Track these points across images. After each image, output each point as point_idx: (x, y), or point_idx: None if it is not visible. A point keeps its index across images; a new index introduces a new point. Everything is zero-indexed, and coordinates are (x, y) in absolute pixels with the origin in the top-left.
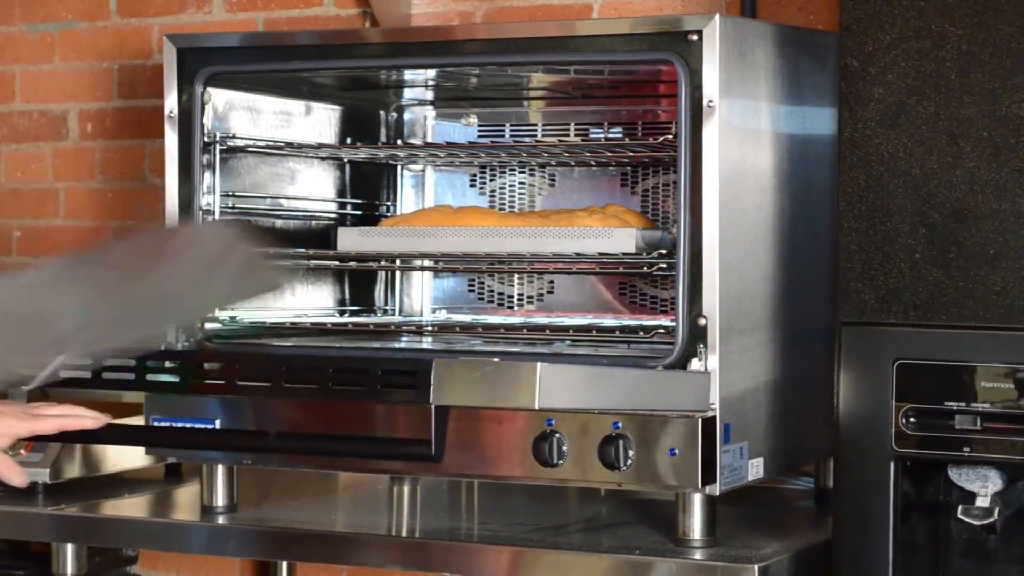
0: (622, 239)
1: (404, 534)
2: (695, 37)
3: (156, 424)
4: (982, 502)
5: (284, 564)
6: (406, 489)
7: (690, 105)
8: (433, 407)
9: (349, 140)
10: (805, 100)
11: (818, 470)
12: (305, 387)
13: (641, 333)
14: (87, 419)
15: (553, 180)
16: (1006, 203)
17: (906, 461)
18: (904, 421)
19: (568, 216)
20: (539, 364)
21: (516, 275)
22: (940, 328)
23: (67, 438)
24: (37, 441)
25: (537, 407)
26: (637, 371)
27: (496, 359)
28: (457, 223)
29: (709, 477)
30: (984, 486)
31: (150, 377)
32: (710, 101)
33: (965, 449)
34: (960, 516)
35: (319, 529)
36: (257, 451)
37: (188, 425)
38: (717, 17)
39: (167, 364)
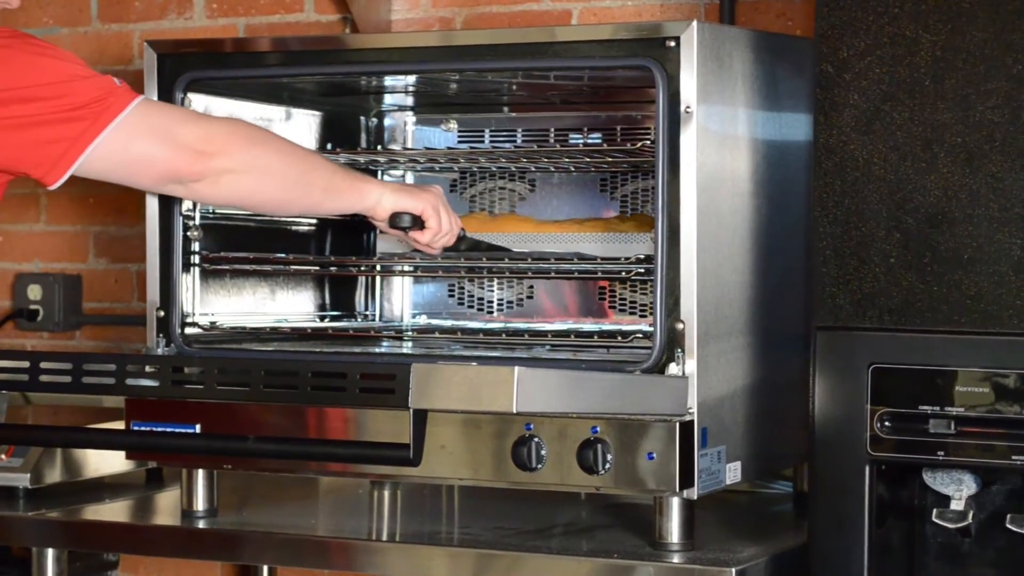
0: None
1: (384, 538)
2: (673, 43)
3: (137, 428)
4: (956, 505)
5: (265, 568)
6: (387, 493)
7: (668, 111)
8: (412, 411)
9: (330, 145)
10: (782, 106)
11: (796, 474)
12: (284, 391)
13: (620, 338)
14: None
15: (533, 185)
16: (980, 208)
17: (881, 465)
18: (879, 425)
19: (603, 220)
20: (517, 368)
21: (496, 280)
22: (914, 332)
23: (48, 443)
24: (18, 446)
25: (515, 411)
26: (615, 375)
27: (474, 363)
28: (498, 230)
29: (687, 481)
30: (958, 490)
31: (130, 381)
32: (688, 107)
33: (939, 453)
34: (935, 519)
35: (299, 533)
36: (235, 455)
37: (169, 429)
38: (695, 23)
39: (147, 368)
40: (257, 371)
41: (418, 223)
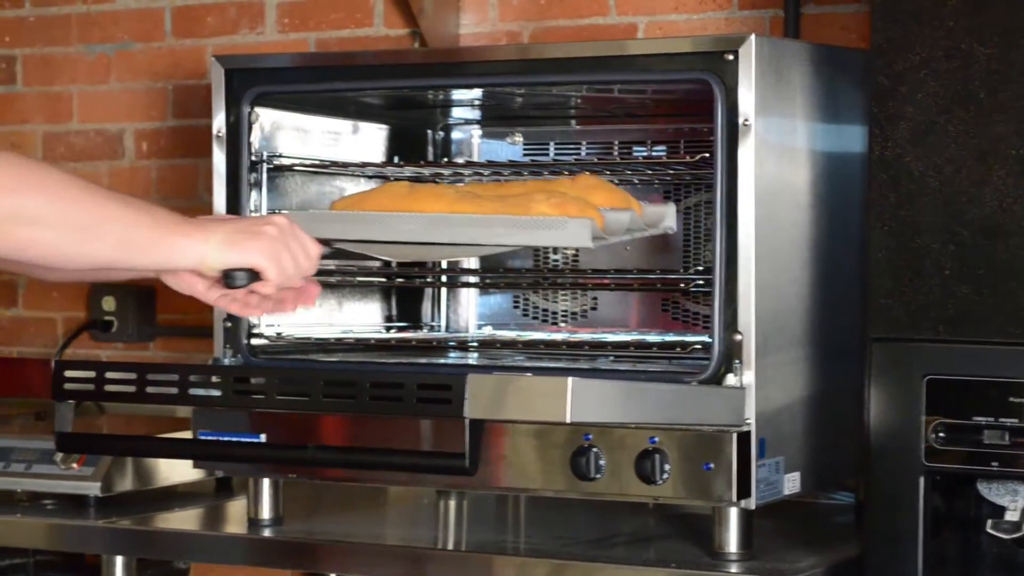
0: (575, 231)
1: (451, 547)
2: (731, 57)
3: (203, 438)
4: (1011, 516)
5: None
6: (452, 503)
7: (726, 124)
8: (467, 420)
9: (396, 159)
10: (841, 118)
11: (858, 485)
12: (342, 401)
13: (679, 349)
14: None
15: None
16: None
17: (936, 476)
18: (934, 436)
19: (526, 200)
20: (570, 379)
21: (560, 291)
22: (969, 344)
23: (115, 451)
24: (90, 455)
25: (568, 421)
26: (671, 386)
27: (529, 374)
28: (407, 207)
29: (744, 491)
30: (1013, 500)
31: (192, 391)
32: (745, 120)
33: (994, 464)
34: (989, 530)
35: (365, 542)
36: (294, 464)
37: (233, 439)
38: (752, 37)
39: (213, 379)
40: (316, 381)
41: (256, 276)
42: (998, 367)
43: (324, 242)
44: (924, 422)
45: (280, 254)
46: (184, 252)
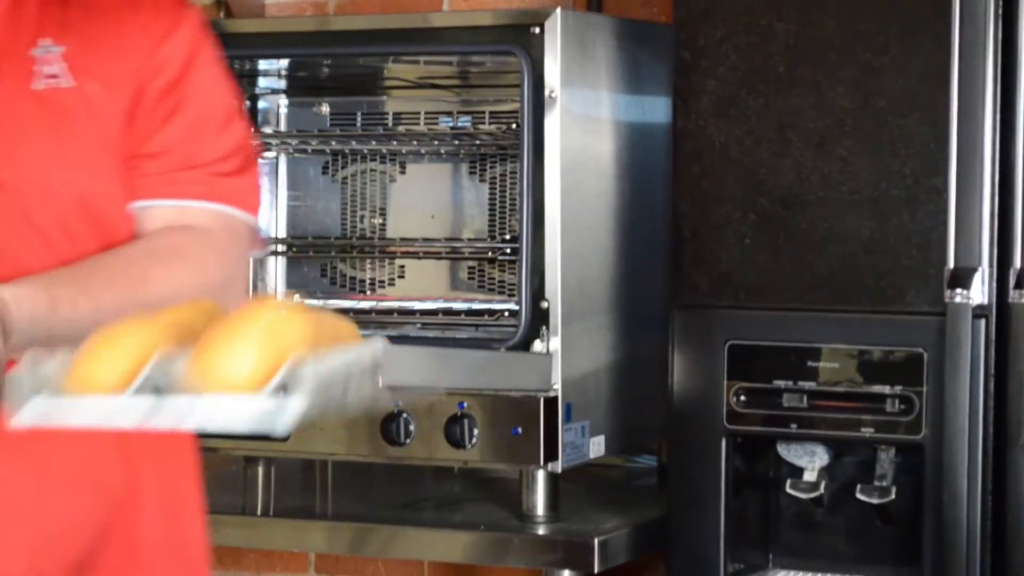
0: None
1: (258, 513)
2: (537, 30)
3: None
4: (809, 476)
5: None
6: (260, 470)
7: (532, 95)
8: None
9: None
10: (645, 90)
11: (660, 448)
12: None
13: (487, 316)
14: None
15: (404, 168)
16: (831, 191)
17: (737, 438)
18: (735, 399)
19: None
20: (381, 344)
21: (368, 260)
22: (769, 310)
23: None
24: None
25: (379, 386)
26: (480, 352)
27: None
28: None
29: (551, 455)
30: (811, 461)
31: None
32: (551, 92)
33: (792, 426)
34: (788, 490)
35: None
36: None
37: None
38: (558, 10)
39: None
40: None
41: None
42: (796, 332)
43: None
44: (726, 386)
45: None
46: None
